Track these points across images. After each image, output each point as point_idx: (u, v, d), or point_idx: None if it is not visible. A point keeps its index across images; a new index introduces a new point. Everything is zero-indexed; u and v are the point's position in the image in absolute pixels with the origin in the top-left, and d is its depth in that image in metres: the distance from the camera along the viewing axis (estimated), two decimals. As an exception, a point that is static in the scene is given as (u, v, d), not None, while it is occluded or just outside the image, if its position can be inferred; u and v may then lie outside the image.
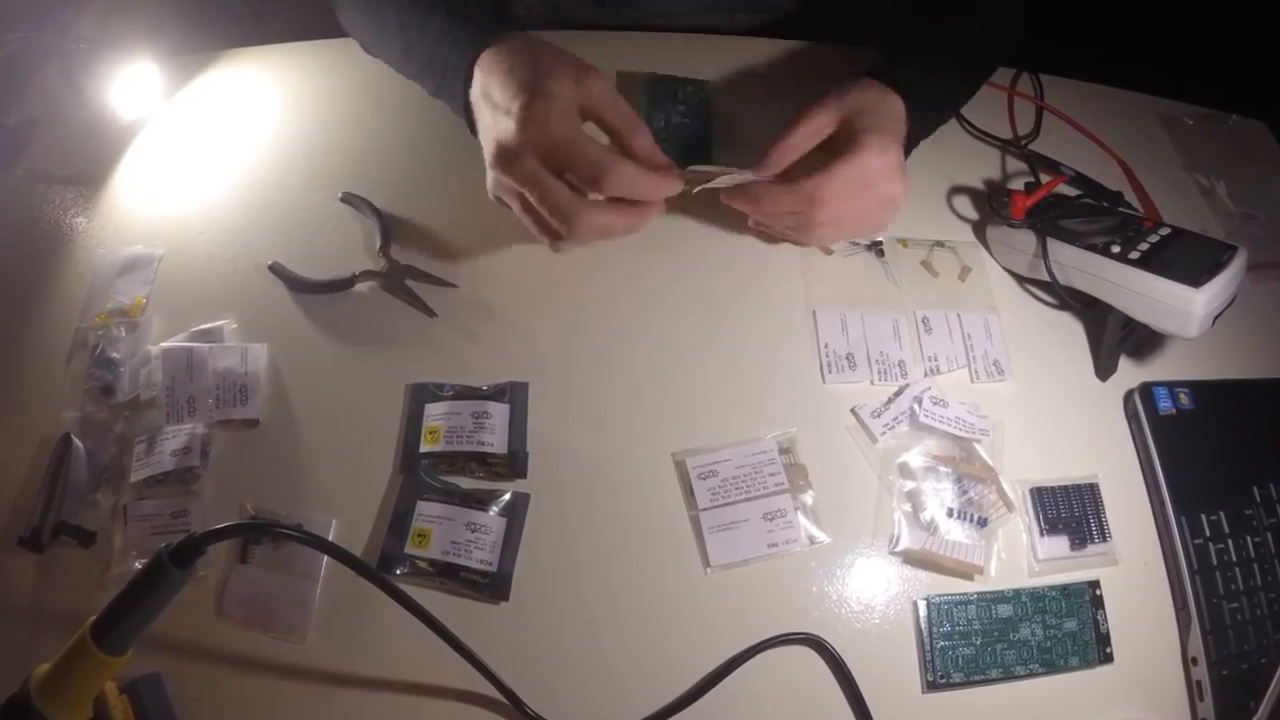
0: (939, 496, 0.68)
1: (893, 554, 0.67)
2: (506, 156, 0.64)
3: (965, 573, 0.66)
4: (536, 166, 0.63)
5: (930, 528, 0.67)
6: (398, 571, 0.64)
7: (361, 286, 0.75)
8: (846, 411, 0.72)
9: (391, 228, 0.78)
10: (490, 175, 0.66)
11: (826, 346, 0.75)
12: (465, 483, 0.68)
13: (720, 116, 0.86)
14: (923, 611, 0.65)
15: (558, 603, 0.64)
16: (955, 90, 0.84)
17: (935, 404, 0.71)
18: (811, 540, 0.67)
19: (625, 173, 0.63)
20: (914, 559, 0.67)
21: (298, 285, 0.75)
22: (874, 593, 0.66)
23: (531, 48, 0.67)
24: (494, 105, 0.66)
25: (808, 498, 0.68)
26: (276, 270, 0.75)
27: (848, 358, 0.75)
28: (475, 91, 0.68)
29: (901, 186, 0.71)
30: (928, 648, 0.64)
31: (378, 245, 0.76)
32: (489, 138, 0.66)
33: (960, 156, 0.88)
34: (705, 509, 0.67)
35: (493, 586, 0.63)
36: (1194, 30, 1.15)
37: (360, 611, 0.63)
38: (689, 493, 0.68)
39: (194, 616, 0.62)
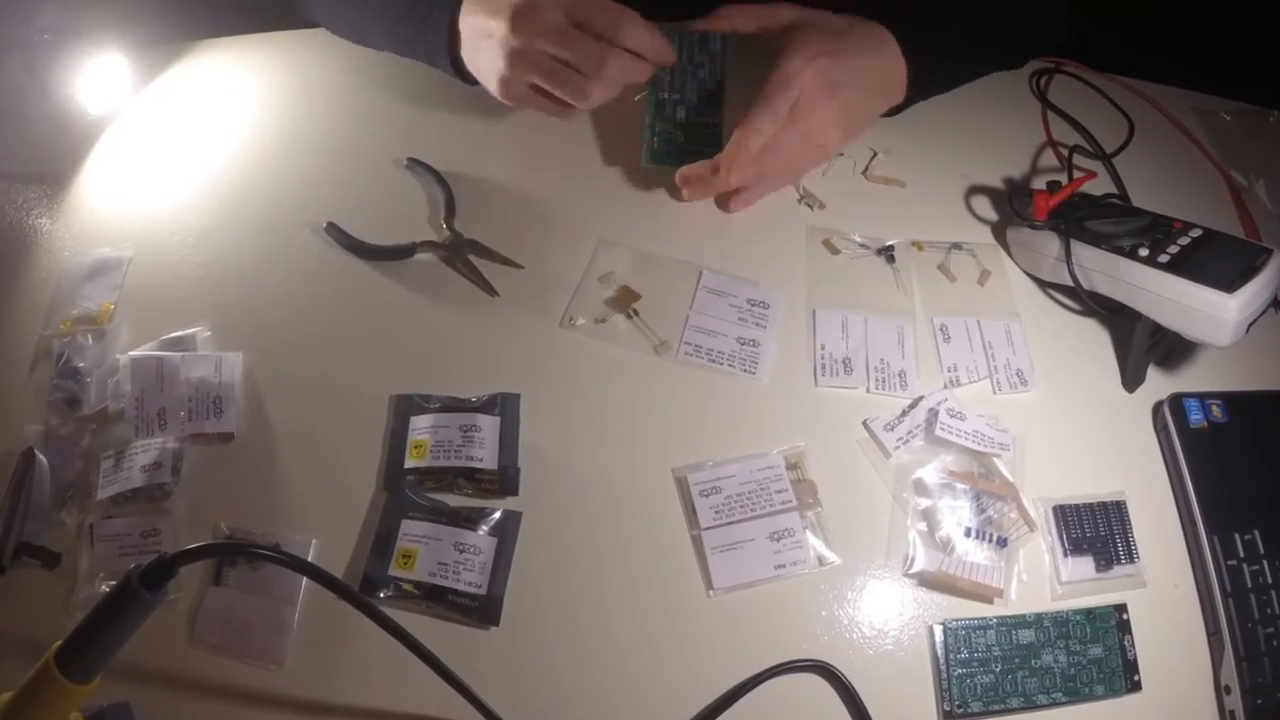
0: (956, 515, 0.69)
1: (907, 576, 0.68)
2: (530, 13, 0.71)
3: (984, 596, 0.67)
4: (560, 16, 0.71)
5: (946, 548, 0.68)
6: (381, 595, 0.64)
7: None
8: (858, 424, 0.73)
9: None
10: (508, 52, 0.72)
11: (823, 348, 0.76)
12: (453, 500, 0.69)
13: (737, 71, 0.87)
14: (939, 637, 0.65)
15: (551, 628, 0.65)
16: (958, 43, 0.86)
17: (952, 416, 0.72)
18: (821, 561, 0.68)
19: (638, 21, 0.72)
20: (929, 581, 0.68)
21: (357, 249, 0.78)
22: (887, 617, 0.67)
23: None
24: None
25: (817, 516, 0.69)
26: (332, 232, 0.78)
27: (844, 362, 0.76)
28: (464, 15, 0.75)
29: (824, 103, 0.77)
30: (944, 675, 0.64)
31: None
32: (503, 11, 0.71)
33: (978, 154, 0.89)
34: (708, 528, 0.68)
35: (482, 610, 0.64)
36: (1233, 23, 1.16)
37: (341, 637, 0.64)
38: (690, 511, 0.69)
39: (165, 642, 0.63)
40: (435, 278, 0.78)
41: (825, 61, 0.76)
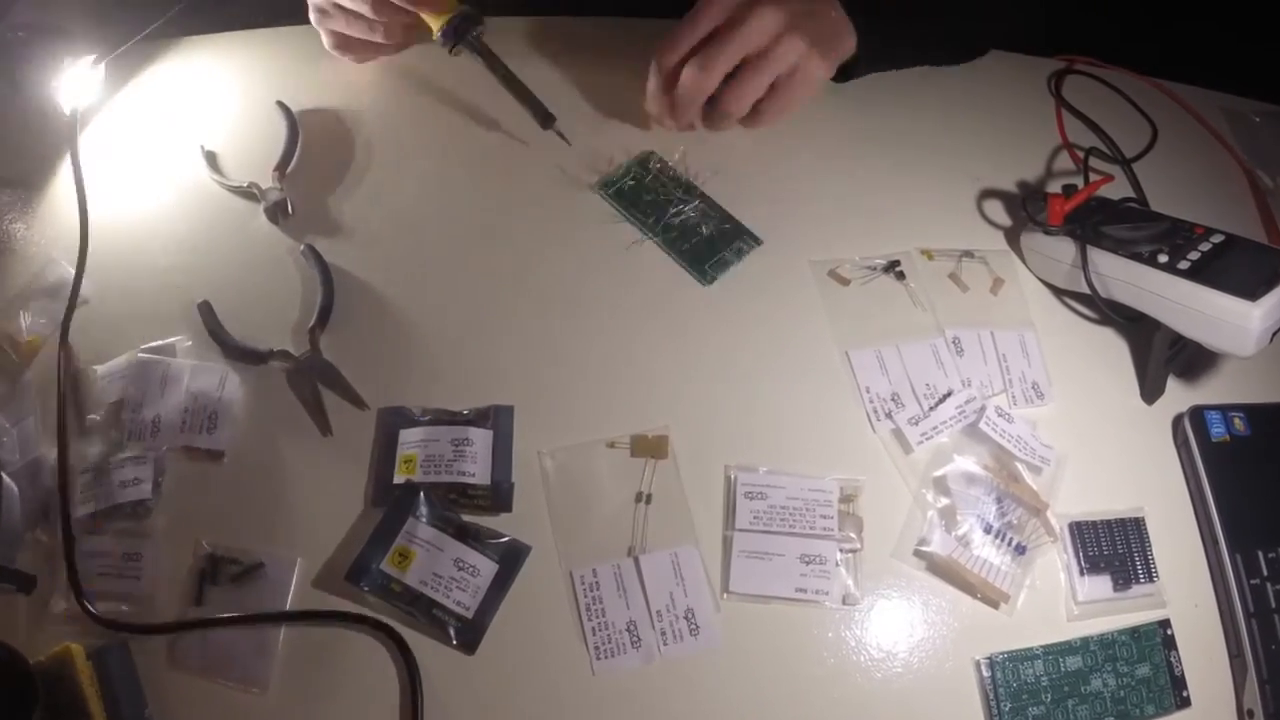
0: (978, 510, 0.71)
1: (917, 554, 0.70)
2: None
3: (991, 598, 0.68)
4: None
5: (963, 541, 0.70)
6: (364, 586, 0.65)
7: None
8: (919, 481, 0.73)
9: (336, 282, 0.79)
10: None
11: (868, 390, 0.77)
12: (467, 515, 0.69)
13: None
14: (985, 672, 0.66)
15: (529, 667, 0.66)
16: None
17: (1000, 416, 0.74)
18: (845, 599, 0.68)
19: None
20: (938, 568, 0.69)
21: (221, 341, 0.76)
22: (908, 662, 0.67)
23: None
24: None
25: (855, 555, 0.70)
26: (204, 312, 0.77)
27: (893, 398, 0.76)
28: None
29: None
30: (995, 712, 0.65)
31: (311, 322, 0.77)
32: None
33: (990, 156, 0.91)
34: (742, 530, 0.69)
35: (464, 634, 0.65)
36: (1268, 22, 1.18)
37: (326, 660, 0.65)
38: (730, 510, 0.70)
39: (144, 665, 0.64)
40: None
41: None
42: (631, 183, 0.85)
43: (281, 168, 0.83)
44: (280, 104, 0.87)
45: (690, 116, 0.82)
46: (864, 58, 0.86)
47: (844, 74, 0.89)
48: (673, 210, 0.83)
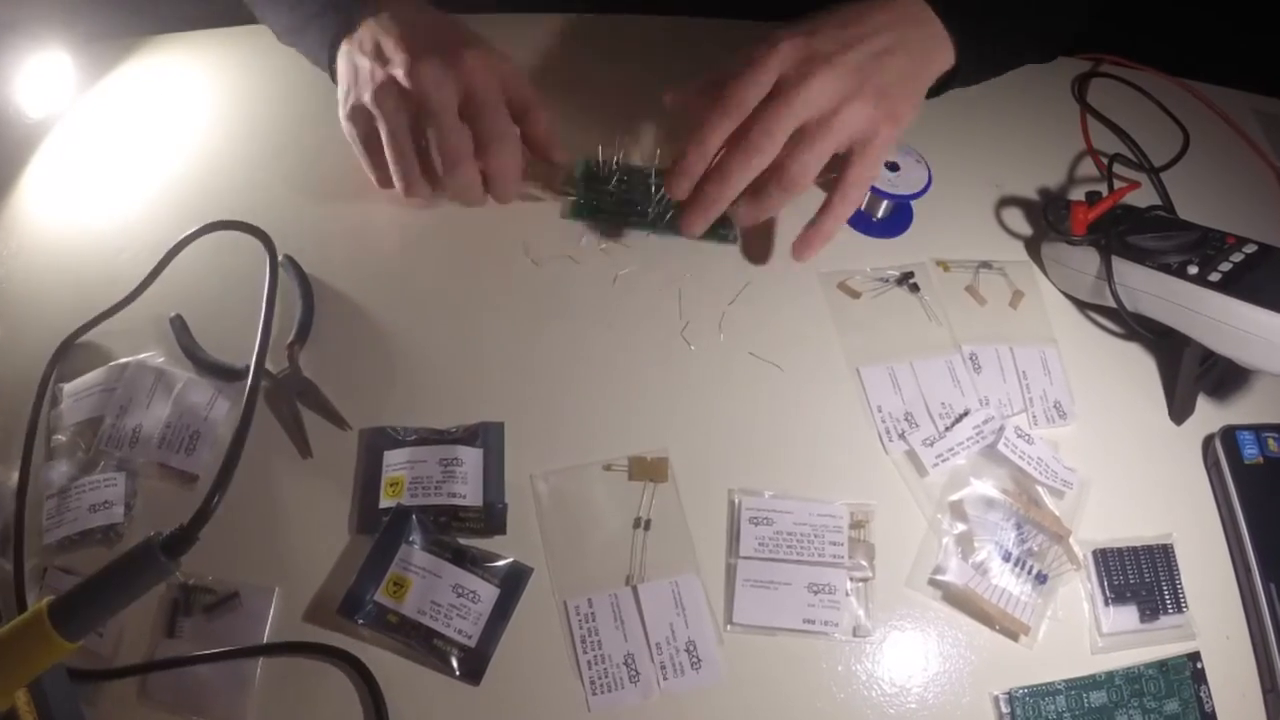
0: (996, 537, 0.72)
1: (932, 583, 0.70)
2: (426, 83, 0.74)
3: (1010, 629, 0.69)
4: (449, 101, 0.75)
5: (981, 570, 0.70)
6: (358, 620, 0.66)
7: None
8: (934, 506, 0.74)
9: (316, 295, 0.80)
10: (371, 94, 0.77)
11: (880, 410, 0.78)
12: (463, 538, 0.70)
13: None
14: (1004, 708, 0.67)
15: (524, 702, 0.66)
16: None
17: (1019, 437, 0.75)
18: (856, 631, 0.69)
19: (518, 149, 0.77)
20: (955, 598, 0.70)
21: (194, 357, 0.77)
22: (927, 693, 0.68)
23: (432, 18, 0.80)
24: (388, 55, 0.77)
25: (866, 584, 0.70)
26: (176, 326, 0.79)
27: (907, 418, 0.77)
28: (356, 45, 0.80)
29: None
30: None
31: (289, 337, 0.78)
32: (397, 68, 0.76)
33: (1011, 162, 0.92)
34: (746, 557, 0.70)
35: (467, 663, 0.66)
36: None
37: (307, 694, 0.65)
38: (734, 537, 0.71)
39: (115, 700, 0.65)
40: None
41: (806, 36, 0.74)
42: (594, 200, 0.87)
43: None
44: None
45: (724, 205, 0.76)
46: (962, 71, 0.81)
47: (937, 89, 0.83)
48: (656, 198, 0.85)
